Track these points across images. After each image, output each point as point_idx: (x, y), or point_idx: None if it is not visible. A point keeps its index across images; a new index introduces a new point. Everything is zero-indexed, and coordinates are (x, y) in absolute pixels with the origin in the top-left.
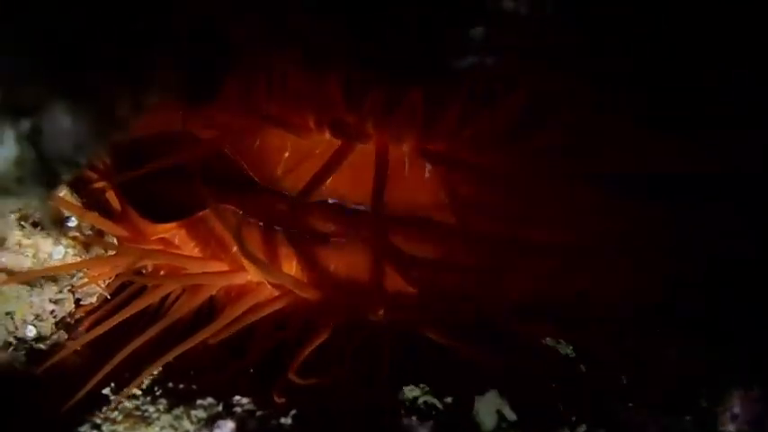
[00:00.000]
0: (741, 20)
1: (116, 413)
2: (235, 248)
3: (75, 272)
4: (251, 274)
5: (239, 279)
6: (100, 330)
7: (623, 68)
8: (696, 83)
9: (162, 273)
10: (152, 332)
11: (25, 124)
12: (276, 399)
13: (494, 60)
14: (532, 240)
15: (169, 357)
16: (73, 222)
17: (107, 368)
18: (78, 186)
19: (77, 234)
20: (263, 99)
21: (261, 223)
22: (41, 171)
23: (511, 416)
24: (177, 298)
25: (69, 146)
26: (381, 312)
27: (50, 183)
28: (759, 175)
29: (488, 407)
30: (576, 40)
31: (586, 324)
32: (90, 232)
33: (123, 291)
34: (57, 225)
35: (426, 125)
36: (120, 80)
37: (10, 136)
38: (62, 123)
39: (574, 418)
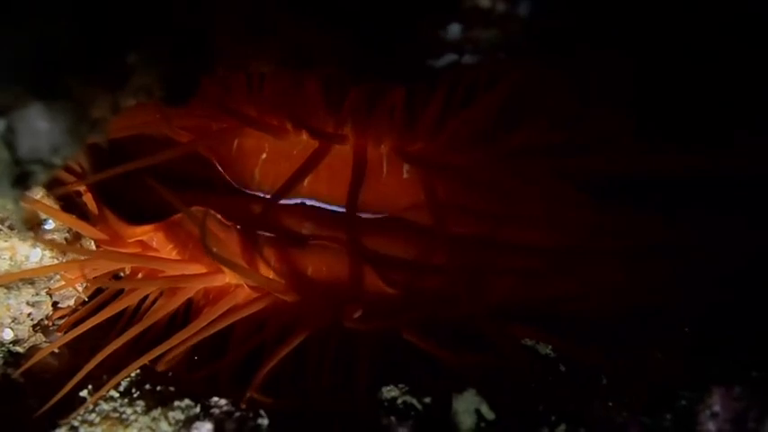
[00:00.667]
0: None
1: (93, 415)
2: (214, 250)
3: (52, 274)
4: (229, 277)
5: (217, 281)
6: (77, 333)
7: (611, 64)
8: (685, 77)
9: (140, 275)
10: (130, 335)
11: (1, 124)
12: (254, 398)
13: (472, 59)
14: (513, 241)
15: (147, 359)
16: (50, 225)
17: (84, 371)
18: (55, 188)
19: (54, 237)
20: (240, 100)
21: (238, 226)
22: (16, 172)
23: (489, 415)
24: (155, 300)
25: (45, 147)
26: (358, 314)
27: (25, 184)
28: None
29: (467, 406)
30: (557, 35)
31: (567, 325)
32: (67, 235)
33: (101, 293)
34: (32, 228)
35: (404, 125)
36: (97, 81)
37: None
38: (38, 124)
39: (553, 418)
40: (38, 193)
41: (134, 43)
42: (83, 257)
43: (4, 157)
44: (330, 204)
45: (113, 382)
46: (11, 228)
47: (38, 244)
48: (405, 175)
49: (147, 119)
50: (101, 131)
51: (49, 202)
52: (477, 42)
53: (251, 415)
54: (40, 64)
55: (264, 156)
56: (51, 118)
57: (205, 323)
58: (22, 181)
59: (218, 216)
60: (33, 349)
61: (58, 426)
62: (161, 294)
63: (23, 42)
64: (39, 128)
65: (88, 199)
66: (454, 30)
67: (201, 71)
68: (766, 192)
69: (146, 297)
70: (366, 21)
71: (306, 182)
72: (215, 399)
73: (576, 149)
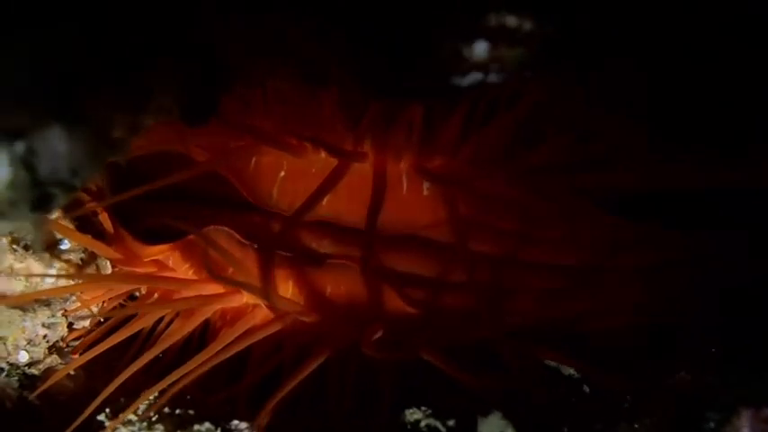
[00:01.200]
0: None
1: None
2: (231, 270)
3: (67, 296)
4: (246, 297)
5: (234, 302)
6: (92, 354)
7: (636, 82)
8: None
9: (156, 295)
10: (148, 357)
11: (20, 146)
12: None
13: (497, 78)
14: (533, 259)
15: (166, 383)
16: (66, 245)
17: (102, 395)
18: (71, 208)
19: (71, 257)
20: (259, 118)
21: (255, 245)
22: (36, 194)
23: None
24: (172, 320)
25: (65, 168)
26: (378, 335)
27: (44, 206)
28: None
29: (492, 429)
30: (584, 54)
31: (590, 344)
32: (83, 255)
33: (116, 313)
34: (49, 248)
35: (424, 142)
36: (117, 102)
37: (4, 158)
38: (58, 146)
39: None
40: (54, 213)
41: (153, 63)
42: (99, 278)
43: (24, 179)
44: (349, 222)
45: (134, 405)
46: (26, 248)
47: (54, 264)
48: (425, 192)
49: (165, 137)
50: (121, 152)
51: (65, 222)
52: (503, 61)
53: None
54: (59, 84)
55: (283, 174)
56: (71, 139)
57: (222, 345)
58: (42, 204)
59: (236, 235)
60: (49, 371)
61: None
62: (177, 314)
63: (42, 62)
64: (59, 150)
65: (104, 219)
66: (481, 47)
67: (220, 90)
68: None
69: (162, 317)
70: (389, 37)
71: (325, 200)
72: (235, 422)
73: (594, 165)
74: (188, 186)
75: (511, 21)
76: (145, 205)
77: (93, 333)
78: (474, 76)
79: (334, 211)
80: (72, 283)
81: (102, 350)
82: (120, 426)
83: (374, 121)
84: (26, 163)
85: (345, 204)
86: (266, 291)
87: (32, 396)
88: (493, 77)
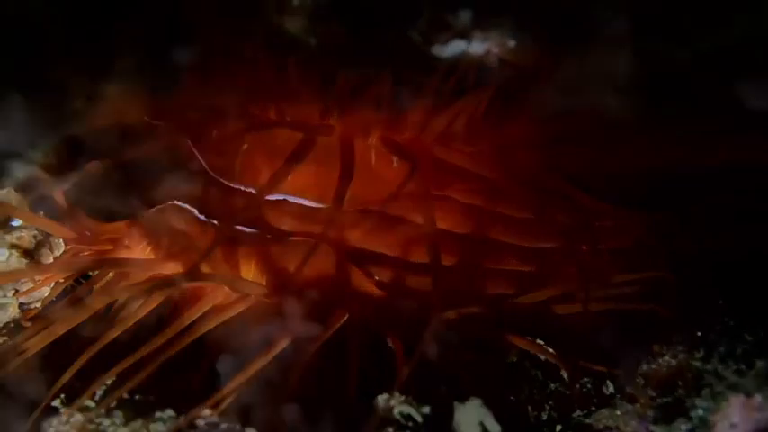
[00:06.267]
0: None
1: (67, 427)
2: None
3: None
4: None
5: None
6: (48, 338)
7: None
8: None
9: (111, 275)
10: (106, 339)
11: None
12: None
13: (482, 48)
14: (504, 239)
15: (123, 366)
16: (17, 222)
17: (60, 382)
18: (24, 183)
19: (23, 234)
20: (224, 89)
21: (215, 221)
22: None
23: (494, 427)
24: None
25: (22, 141)
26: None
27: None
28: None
29: (470, 418)
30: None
31: (571, 329)
32: (36, 232)
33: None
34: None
35: (395, 115)
36: (77, 69)
37: None
38: (14, 116)
39: (559, 428)
40: (5, 188)
41: (116, 30)
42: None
43: None
44: (315, 198)
45: (90, 390)
46: None
47: (5, 240)
48: (395, 167)
49: (124, 108)
50: (80, 123)
51: (15, 198)
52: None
53: (237, 427)
54: (17, 51)
55: (246, 146)
56: (29, 110)
57: (183, 326)
58: None
59: (194, 211)
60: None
61: None
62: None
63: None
64: (15, 120)
65: (58, 195)
66: (465, 16)
67: (184, 57)
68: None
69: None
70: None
71: (289, 175)
72: (198, 408)
73: (570, 142)
74: (147, 159)
75: None
76: (102, 181)
77: (48, 315)
78: (457, 46)
79: (298, 187)
80: (25, 261)
81: (58, 333)
82: (75, 412)
83: (342, 94)
84: None
85: (312, 180)
86: (228, 275)
87: None
88: (476, 48)
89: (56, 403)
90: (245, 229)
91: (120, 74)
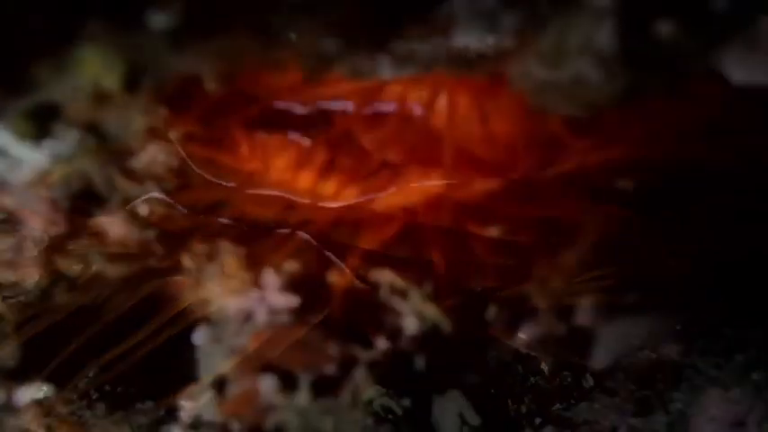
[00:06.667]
0: None
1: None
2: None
3: None
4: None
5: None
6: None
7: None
8: None
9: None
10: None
11: None
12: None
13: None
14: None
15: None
16: None
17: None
18: None
19: None
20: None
21: (200, 215)
22: None
23: (474, 420)
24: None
25: None
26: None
27: None
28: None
29: (449, 410)
30: None
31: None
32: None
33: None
34: None
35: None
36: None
37: None
38: None
39: (539, 421)
40: None
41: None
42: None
43: None
44: (298, 192)
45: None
46: None
47: None
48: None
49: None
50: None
51: None
52: None
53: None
54: None
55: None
56: None
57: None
58: None
59: (177, 205)
60: None
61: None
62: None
63: None
64: None
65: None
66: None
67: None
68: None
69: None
70: None
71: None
72: (180, 402)
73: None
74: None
75: None
76: None
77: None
78: None
79: (281, 181)
80: None
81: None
82: (58, 404)
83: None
84: None
85: (294, 174)
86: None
87: None
88: None
89: (39, 395)
90: (226, 221)
91: (90, 37)
